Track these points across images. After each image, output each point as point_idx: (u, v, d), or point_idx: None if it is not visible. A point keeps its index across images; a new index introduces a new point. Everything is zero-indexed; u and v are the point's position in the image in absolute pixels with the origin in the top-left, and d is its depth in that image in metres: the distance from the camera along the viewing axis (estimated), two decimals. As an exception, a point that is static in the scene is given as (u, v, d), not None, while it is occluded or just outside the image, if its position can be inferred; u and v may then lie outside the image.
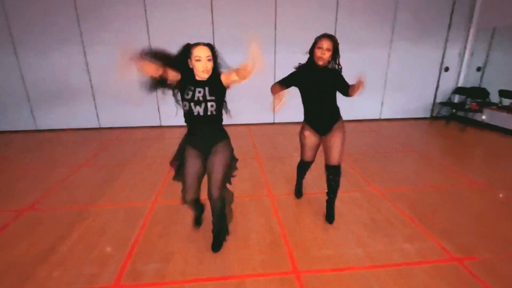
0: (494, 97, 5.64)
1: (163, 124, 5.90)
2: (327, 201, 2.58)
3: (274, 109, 2.23)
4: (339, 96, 2.34)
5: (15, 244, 2.29)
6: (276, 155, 4.26)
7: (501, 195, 3.04)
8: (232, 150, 2.13)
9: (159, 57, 1.81)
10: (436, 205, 2.84)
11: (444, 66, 6.16)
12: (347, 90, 2.25)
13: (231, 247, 2.23)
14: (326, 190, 2.54)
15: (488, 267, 2.02)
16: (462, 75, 6.23)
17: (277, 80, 2.40)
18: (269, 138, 5.11)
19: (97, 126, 5.79)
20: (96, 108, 5.66)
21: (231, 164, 2.13)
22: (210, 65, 1.87)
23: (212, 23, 5.37)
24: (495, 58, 5.81)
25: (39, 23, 5.08)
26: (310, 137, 2.48)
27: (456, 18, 5.84)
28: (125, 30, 5.22)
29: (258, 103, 5.62)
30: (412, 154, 4.31)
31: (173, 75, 1.87)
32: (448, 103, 6.25)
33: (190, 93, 1.91)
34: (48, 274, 1.98)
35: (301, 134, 2.54)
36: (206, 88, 1.91)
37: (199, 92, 1.91)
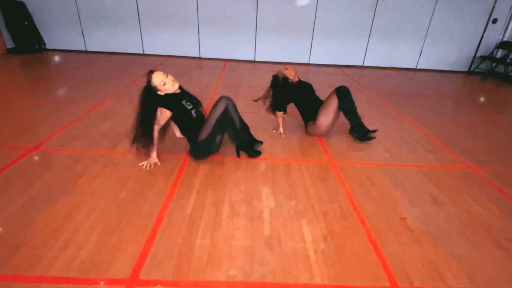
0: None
1: (202, 56, 6.18)
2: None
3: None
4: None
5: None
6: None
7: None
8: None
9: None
10: (460, 134, 3.11)
11: (492, 17, 5.92)
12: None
13: (281, 143, 2.65)
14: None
15: (499, 176, 2.33)
16: (510, 28, 5.99)
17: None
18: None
19: (141, 52, 6.15)
20: (141, 34, 5.97)
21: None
22: (173, 77, 2.11)
23: None
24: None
25: None
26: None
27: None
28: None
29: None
30: (444, 98, 4.46)
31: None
32: (489, 57, 6.12)
33: (183, 105, 2.16)
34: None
35: (320, 123, 2.70)
36: (186, 97, 2.22)
37: (185, 101, 2.19)
